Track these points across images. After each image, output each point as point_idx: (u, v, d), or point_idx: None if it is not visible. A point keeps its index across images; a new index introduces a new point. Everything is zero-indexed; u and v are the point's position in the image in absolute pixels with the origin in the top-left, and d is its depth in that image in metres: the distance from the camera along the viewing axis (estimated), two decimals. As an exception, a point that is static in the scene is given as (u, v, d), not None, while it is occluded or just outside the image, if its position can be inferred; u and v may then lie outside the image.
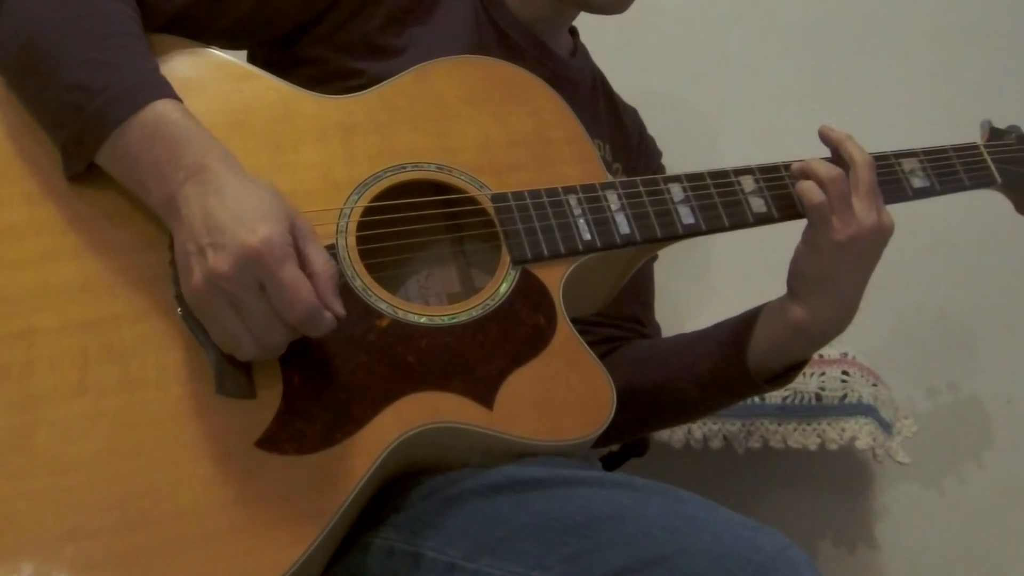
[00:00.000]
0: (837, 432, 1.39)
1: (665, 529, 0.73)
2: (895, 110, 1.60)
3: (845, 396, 1.39)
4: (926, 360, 1.60)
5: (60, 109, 0.80)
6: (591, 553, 0.73)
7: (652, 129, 1.30)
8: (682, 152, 1.40)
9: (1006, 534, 1.57)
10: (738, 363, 1.01)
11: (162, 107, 0.79)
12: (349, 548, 0.82)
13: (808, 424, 1.40)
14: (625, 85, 1.29)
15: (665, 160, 1.30)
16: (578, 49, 1.19)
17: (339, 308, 0.75)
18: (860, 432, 1.39)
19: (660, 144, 1.31)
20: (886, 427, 1.42)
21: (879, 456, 1.41)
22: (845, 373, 1.40)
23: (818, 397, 1.39)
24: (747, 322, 1.03)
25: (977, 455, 1.59)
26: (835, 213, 0.94)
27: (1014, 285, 1.58)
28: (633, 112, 1.27)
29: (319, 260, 0.75)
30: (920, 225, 1.47)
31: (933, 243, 1.54)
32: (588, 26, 1.23)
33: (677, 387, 1.07)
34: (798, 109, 1.59)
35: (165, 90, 0.81)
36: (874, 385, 1.42)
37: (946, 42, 1.62)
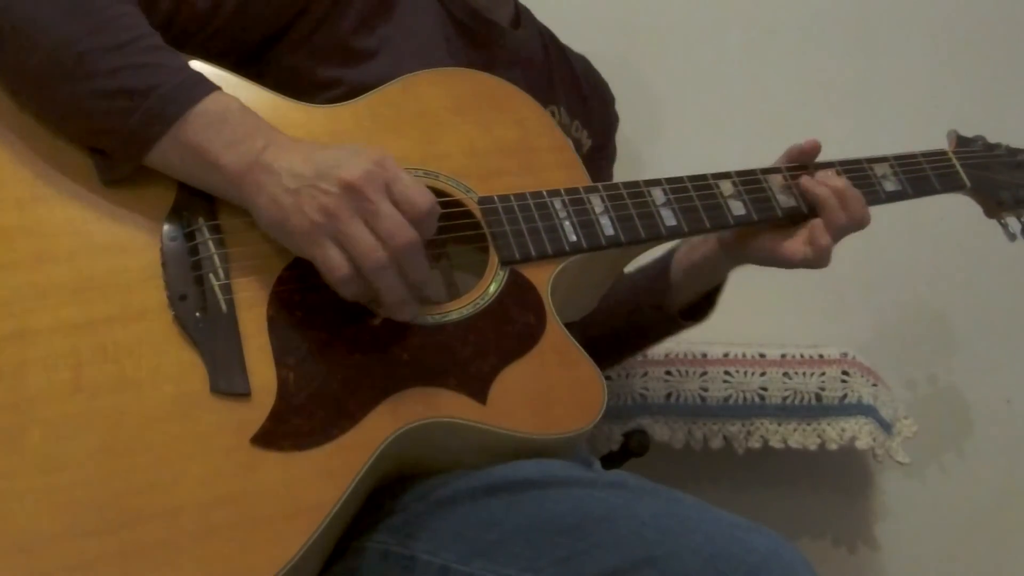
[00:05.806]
0: (837, 432, 1.39)
1: (657, 530, 0.73)
2: (893, 109, 1.60)
3: (845, 396, 1.40)
4: (926, 360, 1.60)
5: (100, 116, 0.79)
6: (583, 555, 0.73)
7: (647, 129, 1.30)
8: (679, 152, 1.41)
9: (1006, 534, 1.57)
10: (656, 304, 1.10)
11: (224, 98, 0.81)
12: (344, 553, 0.82)
13: (808, 424, 1.40)
14: (624, 83, 1.29)
15: (662, 161, 1.31)
16: (521, 15, 1.19)
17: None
18: (860, 432, 1.39)
19: (659, 143, 1.31)
20: (886, 427, 1.42)
21: (879, 456, 1.42)
22: (845, 373, 1.40)
23: (818, 397, 1.39)
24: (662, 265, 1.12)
25: (977, 455, 1.59)
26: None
27: (1014, 285, 1.58)
28: (584, 60, 1.28)
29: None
30: (920, 225, 1.47)
31: (933, 243, 1.54)
32: (587, 31, 1.22)
33: (610, 333, 1.17)
34: (795, 108, 1.59)
35: (213, 83, 0.82)
36: (874, 385, 1.42)
37: (945, 42, 1.62)
